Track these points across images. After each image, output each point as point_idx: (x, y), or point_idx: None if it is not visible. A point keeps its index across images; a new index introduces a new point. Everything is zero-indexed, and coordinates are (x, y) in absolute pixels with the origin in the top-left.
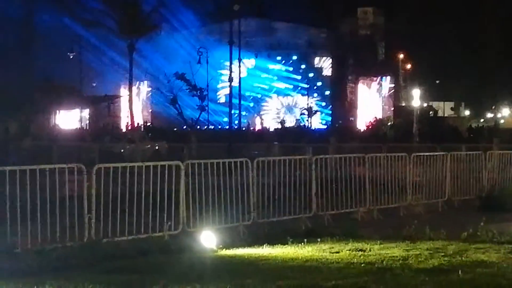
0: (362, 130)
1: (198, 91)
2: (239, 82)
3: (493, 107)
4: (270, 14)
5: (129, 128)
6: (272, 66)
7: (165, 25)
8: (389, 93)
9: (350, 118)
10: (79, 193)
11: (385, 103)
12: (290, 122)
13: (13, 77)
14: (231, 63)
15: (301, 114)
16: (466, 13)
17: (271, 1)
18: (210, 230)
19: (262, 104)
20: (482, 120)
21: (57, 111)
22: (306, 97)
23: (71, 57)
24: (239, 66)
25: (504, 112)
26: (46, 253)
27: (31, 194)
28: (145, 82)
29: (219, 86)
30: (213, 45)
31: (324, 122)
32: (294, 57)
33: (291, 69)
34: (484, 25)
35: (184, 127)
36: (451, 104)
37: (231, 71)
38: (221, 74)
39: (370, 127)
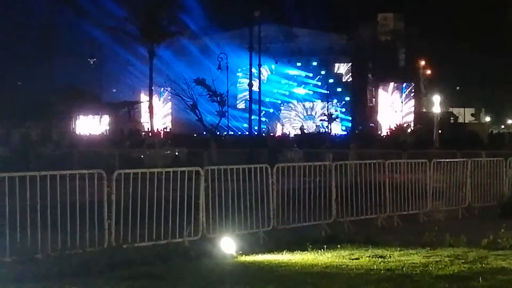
0: (383, 136)
1: (218, 97)
2: (259, 88)
3: None
4: (291, 20)
5: (149, 134)
6: (292, 72)
7: (185, 31)
8: (410, 99)
9: (370, 124)
10: (99, 199)
11: (406, 109)
12: (309, 128)
13: (34, 82)
14: (251, 69)
15: (320, 120)
16: (487, 18)
17: (291, 7)
18: (230, 236)
19: (282, 109)
20: (502, 126)
21: (78, 117)
22: (326, 103)
23: (92, 63)
24: (259, 72)
25: None
26: (66, 259)
27: (52, 200)
28: (166, 88)
29: (238, 91)
30: (233, 51)
31: (344, 128)
32: (314, 63)
33: (311, 75)
34: (505, 31)
35: (204, 132)
36: (472, 110)
37: (251, 77)
38: (241, 81)
39: (390, 133)
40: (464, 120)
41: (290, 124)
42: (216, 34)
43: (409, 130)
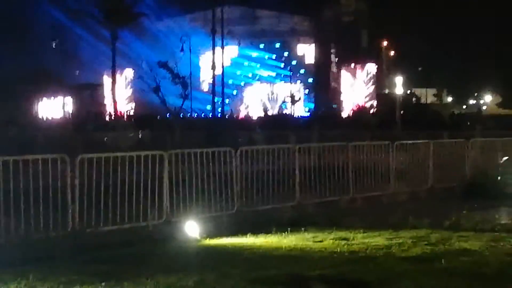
0: (345, 117)
1: (181, 79)
2: (222, 70)
3: (476, 94)
4: (253, 2)
5: (112, 116)
6: (255, 54)
7: (148, 13)
8: (372, 80)
9: (333, 106)
10: (63, 183)
11: (368, 90)
12: (273, 110)
13: None
14: (214, 52)
15: (283, 101)
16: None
17: None
18: (193, 219)
19: (245, 91)
20: (464, 107)
21: (40, 100)
22: (289, 84)
23: (54, 45)
24: (222, 54)
25: (487, 99)
26: (30, 244)
27: (15, 185)
28: (128, 70)
29: (201, 74)
30: (196, 33)
31: (307, 109)
32: (277, 45)
33: (274, 56)
34: (468, 12)
35: (168, 115)
36: (434, 90)
37: (214, 59)
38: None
39: (353, 114)
40: (426, 101)
41: (253, 105)
42: (179, 17)
43: (371, 111)
